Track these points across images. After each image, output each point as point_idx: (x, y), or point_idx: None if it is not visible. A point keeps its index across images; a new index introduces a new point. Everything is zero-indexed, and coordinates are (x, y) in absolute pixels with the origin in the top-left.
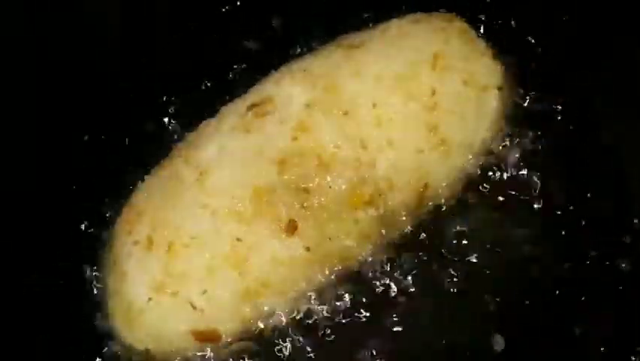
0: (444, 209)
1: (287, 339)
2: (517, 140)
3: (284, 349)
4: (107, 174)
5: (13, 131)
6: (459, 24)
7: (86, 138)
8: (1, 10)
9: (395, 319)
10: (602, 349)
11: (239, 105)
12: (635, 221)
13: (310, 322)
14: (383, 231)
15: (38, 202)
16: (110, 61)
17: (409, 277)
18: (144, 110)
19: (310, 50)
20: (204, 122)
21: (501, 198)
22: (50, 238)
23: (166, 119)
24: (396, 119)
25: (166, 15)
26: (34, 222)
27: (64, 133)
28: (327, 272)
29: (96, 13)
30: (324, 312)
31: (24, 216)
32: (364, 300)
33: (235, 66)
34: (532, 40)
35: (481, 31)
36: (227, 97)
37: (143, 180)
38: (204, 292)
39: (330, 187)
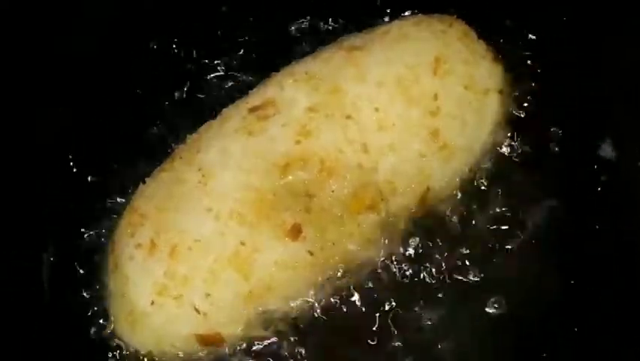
0: (446, 213)
1: (290, 342)
2: (519, 143)
3: (287, 352)
4: (107, 175)
5: (11, 130)
6: (460, 27)
7: (85, 138)
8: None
9: (397, 321)
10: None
11: (240, 107)
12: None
13: (314, 325)
14: (385, 235)
15: (38, 203)
16: (110, 61)
17: (411, 280)
18: (144, 110)
19: (311, 51)
20: (205, 123)
21: (503, 201)
22: (50, 238)
23: (166, 120)
24: (398, 124)
25: (167, 14)
26: (34, 224)
27: (64, 133)
28: (330, 276)
29: (96, 10)
30: (328, 316)
31: (24, 218)
32: (367, 304)
33: (236, 66)
34: (533, 42)
35: (482, 33)
36: (228, 98)
37: (144, 181)
38: (208, 295)
39: (332, 191)
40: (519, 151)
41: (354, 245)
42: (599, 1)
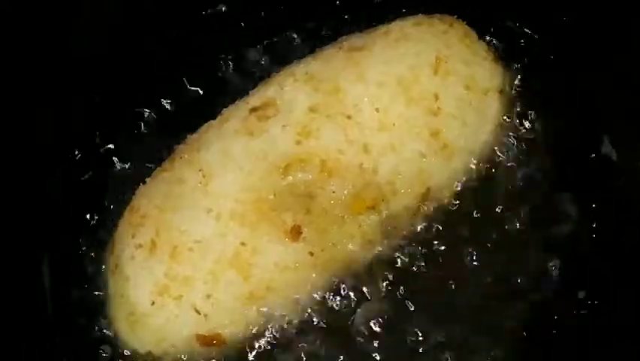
0: (446, 213)
1: (290, 343)
2: (519, 142)
3: (288, 353)
4: (107, 175)
5: (11, 130)
6: (460, 27)
7: (85, 138)
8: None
9: (398, 322)
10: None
11: (241, 107)
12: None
13: (314, 326)
14: (386, 235)
15: (38, 203)
16: (110, 61)
17: (412, 281)
18: (144, 110)
19: (311, 51)
20: (206, 123)
21: (503, 201)
22: (50, 239)
23: (166, 120)
24: (399, 124)
25: (167, 14)
26: (35, 224)
27: (64, 133)
28: (330, 277)
29: (96, 10)
30: (329, 316)
31: (23, 218)
32: (368, 304)
33: (236, 67)
34: (534, 43)
35: (482, 33)
36: (229, 98)
37: (144, 182)
38: (208, 296)
39: (333, 192)
40: (520, 151)
41: (354, 246)
42: (600, 2)
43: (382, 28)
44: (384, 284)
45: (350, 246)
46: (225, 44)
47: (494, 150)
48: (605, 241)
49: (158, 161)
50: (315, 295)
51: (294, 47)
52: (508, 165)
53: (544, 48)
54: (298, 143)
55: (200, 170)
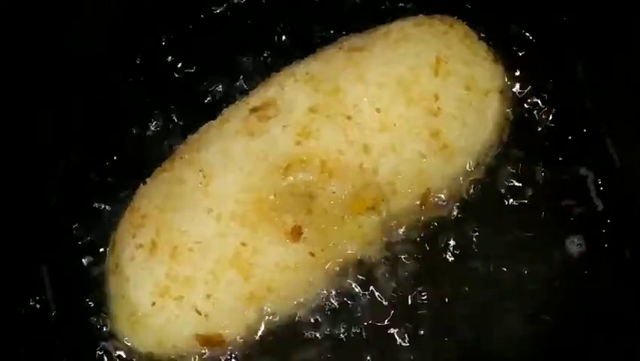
0: (446, 213)
1: (291, 343)
2: (519, 143)
3: (288, 353)
4: (107, 175)
5: (11, 130)
6: (460, 27)
7: (85, 138)
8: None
9: (398, 323)
10: None
11: (241, 108)
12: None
13: (315, 326)
14: (386, 236)
15: (39, 204)
16: (109, 61)
17: (412, 282)
18: (145, 109)
19: (311, 51)
20: (206, 124)
21: (503, 202)
22: (50, 239)
23: (166, 120)
24: (399, 124)
25: (167, 14)
26: (35, 225)
27: (64, 133)
28: (330, 277)
29: (97, 10)
30: (328, 317)
31: (24, 219)
32: (367, 305)
33: (236, 67)
34: (534, 43)
35: (482, 34)
36: (229, 98)
37: (144, 182)
38: (209, 296)
39: (333, 192)
40: (520, 151)
41: (355, 246)
42: (600, 2)
43: (382, 29)
44: (384, 284)
45: (350, 246)
46: (225, 44)
47: (494, 150)
48: (608, 242)
49: (159, 161)
50: (316, 296)
51: (294, 48)
52: (508, 165)
53: (545, 48)
54: (298, 143)
55: (200, 170)
